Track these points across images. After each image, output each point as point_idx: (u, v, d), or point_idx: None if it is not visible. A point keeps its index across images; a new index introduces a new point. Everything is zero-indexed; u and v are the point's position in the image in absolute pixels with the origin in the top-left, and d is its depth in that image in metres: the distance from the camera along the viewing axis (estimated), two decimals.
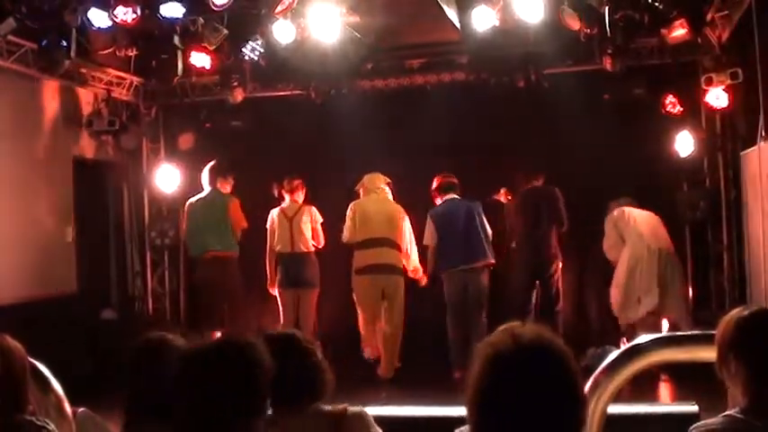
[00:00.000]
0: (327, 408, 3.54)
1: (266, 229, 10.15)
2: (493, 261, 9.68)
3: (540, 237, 9.65)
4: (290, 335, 3.72)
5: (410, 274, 9.84)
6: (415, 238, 9.90)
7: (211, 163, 10.24)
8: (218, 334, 10.45)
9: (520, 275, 9.84)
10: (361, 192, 9.97)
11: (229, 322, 10.15)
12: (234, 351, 2.76)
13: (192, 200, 10.28)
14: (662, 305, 9.11)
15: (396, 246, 9.71)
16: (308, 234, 10.03)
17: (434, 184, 9.90)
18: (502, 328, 2.10)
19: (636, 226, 9.25)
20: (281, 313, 10.06)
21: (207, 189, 10.21)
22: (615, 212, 9.39)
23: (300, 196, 10.19)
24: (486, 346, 2.03)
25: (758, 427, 2.92)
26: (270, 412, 3.52)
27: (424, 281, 9.90)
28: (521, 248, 9.83)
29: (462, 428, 3.34)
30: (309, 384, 3.57)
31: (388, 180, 9.96)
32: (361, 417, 3.56)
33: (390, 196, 9.96)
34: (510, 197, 10.11)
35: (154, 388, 3.14)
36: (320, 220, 10.10)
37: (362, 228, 9.77)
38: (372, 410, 3.67)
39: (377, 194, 9.88)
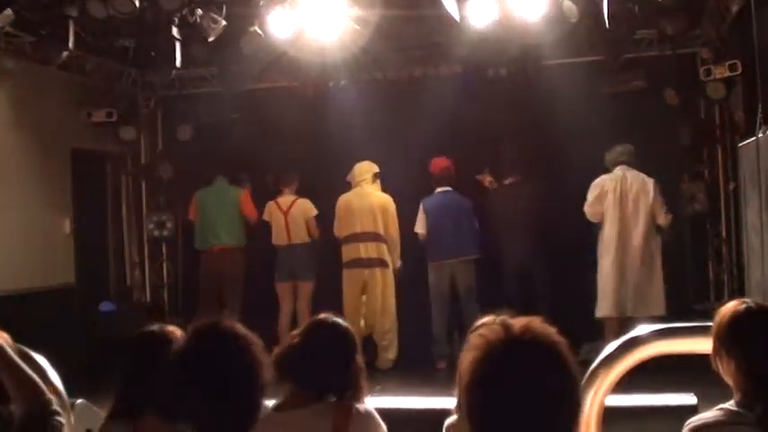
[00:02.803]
0: (335, 401, 3.52)
1: (264, 221, 10.23)
2: (478, 255, 9.87)
3: (522, 233, 9.72)
4: (345, 329, 3.67)
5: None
6: (410, 229, 9.95)
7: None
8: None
9: (505, 270, 9.93)
10: (351, 183, 10.01)
11: (229, 313, 10.16)
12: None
13: (202, 191, 10.36)
14: None
15: (379, 238, 9.76)
16: (303, 226, 10.07)
17: (432, 169, 9.98)
18: (488, 319, 2.10)
19: None
20: (280, 304, 10.09)
21: (217, 180, 10.39)
22: None
23: (294, 188, 10.22)
24: (477, 336, 2.03)
25: (751, 419, 2.93)
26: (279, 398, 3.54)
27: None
28: (504, 244, 9.91)
29: (451, 419, 3.36)
30: (345, 388, 3.55)
31: (377, 170, 9.96)
32: (370, 415, 3.54)
33: (378, 186, 9.97)
34: (491, 180, 10.16)
35: (150, 379, 3.12)
36: (314, 212, 10.12)
37: (346, 223, 9.88)
38: (367, 402, 3.66)
39: (361, 188, 9.90)
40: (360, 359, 3.64)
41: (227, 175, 10.45)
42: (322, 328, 3.66)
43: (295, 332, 3.71)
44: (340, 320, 3.69)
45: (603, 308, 9.14)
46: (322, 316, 3.74)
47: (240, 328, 2.72)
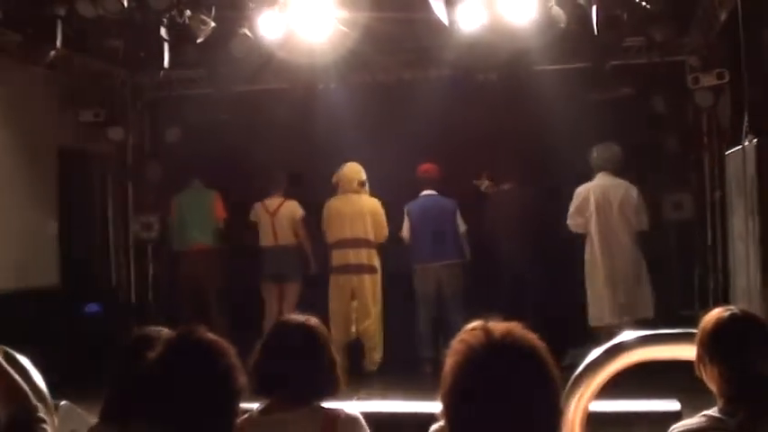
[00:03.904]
0: (323, 407, 3.51)
1: (253, 223, 10.24)
2: (464, 259, 9.90)
3: (520, 238, 9.77)
4: (310, 325, 3.63)
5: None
6: (397, 232, 9.96)
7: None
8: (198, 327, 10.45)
9: (502, 276, 10.00)
10: (338, 186, 9.97)
11: (212, 316, 10.14)
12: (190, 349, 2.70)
13: (179, 194, 10.49)
14: None
15: (367, 244, 9.76)
16: (290, 228, 10.07)
17: (417, 173, 10.03)
18: (473, 324, 2.10)
19: None
20: (266, 307, 10.08)
21: (193, 183, 10.51)
22: None
23: (282, 190, 10.22)
24: (458, 342, 2.03)
25: (733, 427, 2.94)
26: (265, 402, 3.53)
27: None
28: (502, 250, 9.96)
29: (436, 426, 3.36)
30: (319, 383, 3.53)
31: (363, 176, 9.92)
32: (356, 421, 3.52)
33: (366, 190, 9.95)
34: (488, 185, 10.22)
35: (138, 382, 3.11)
36: (301, 214, 10.11)
37: (334, 228, 9.85)
38: (349, 406, 3.65)
39: (348, 194, 9.86)
40: (332, 352, 3.62)
41: (202, 179, 10.57)
42: (285, 330, 3.66)
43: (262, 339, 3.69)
44: (303, 318, 3.66)
45: (600, 317, 9.18)
46: (285, 317, 3.74)
47: (212, 336, 2.74)
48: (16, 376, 3.06)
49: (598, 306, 9.21)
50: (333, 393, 3.56)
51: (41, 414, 3.03)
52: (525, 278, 9.87)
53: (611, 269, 9.13)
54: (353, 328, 9.78)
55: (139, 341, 3.32)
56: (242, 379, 2.71)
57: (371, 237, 9.77)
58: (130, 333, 3.43)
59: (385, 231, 9.86)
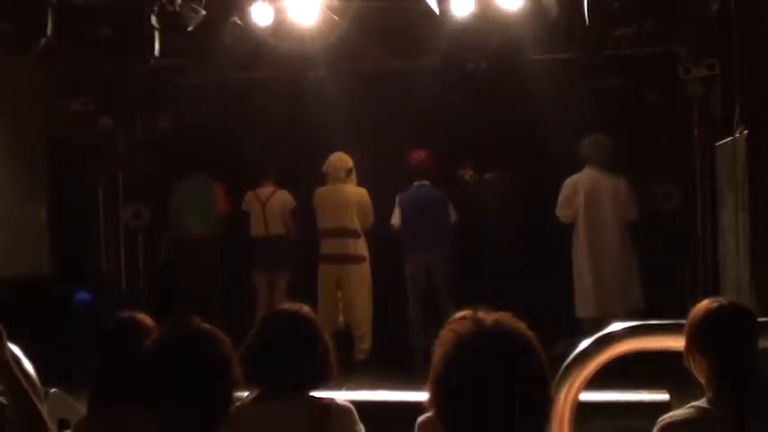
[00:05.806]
0: (315, 396, 3.52)
1: (244, 212, 10.25)
2: (451, 249, 9.91)
3: (503, 227, 9.92)
4: (302, 314, 3.64)
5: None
6: (388, 221, 9.97)
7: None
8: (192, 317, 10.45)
9: (485, 265, 10.12)
10: (327, 175, 9.95)
11: (205, 305, 10.13)
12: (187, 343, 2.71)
13: (180, 183, 10.48)
14: None
15: (352, 233, 9.75)
16: (280, 218, 10.07)
17: (408, 162, 10.02)
18: (462, 313, 2.10)
19: None
20: (257, 296, 10.09)
21: (194, 173, 10.47)
22: None
23: (274, 180, 10.21)
24: (447, 331, 2.03)
25: (721, 418, 2.96)
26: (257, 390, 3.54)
27: None
28: (486, 238, 10.07)
29: (423, 417, 3.36)
30: (313, 371, 3.54)
31: (350, 163, 9.91)
32: (348, 411, 3.53)
33: (353, 180, 9.93)
34: (472, 174, 10.26)
35: (123, 367, 3.11)
36: (292, 204, 10.10)
37: (321, 218, 9.83)
38: (338, 396, 3.66)
39: (336, 183, 9.85)
40: (326, 340, 3.63)
41: (205, 170, 10.49)
42: (278, 319, 3.66)
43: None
44: (296, 307, 3.68)
45: (584, 308, 9.20)
46: (278, 307, 3.75)
47: (208, 326, 2.75)
48: (37, 403, 3.06)
49: (583, 297, 9.23)
50: (327, 381, 3.58)
51: (44, 413, 3.04)
52: (512, 267, 9.90)
53: (598, 261, 9.14)
54: (340, 317, 9.78)
55: (123, 329, 3.33)
56: (238, 369, 2.73)
57: (357, 226, 9.76)
58: (113, 320, 3.44)
59: (371, 220, 9.85)
